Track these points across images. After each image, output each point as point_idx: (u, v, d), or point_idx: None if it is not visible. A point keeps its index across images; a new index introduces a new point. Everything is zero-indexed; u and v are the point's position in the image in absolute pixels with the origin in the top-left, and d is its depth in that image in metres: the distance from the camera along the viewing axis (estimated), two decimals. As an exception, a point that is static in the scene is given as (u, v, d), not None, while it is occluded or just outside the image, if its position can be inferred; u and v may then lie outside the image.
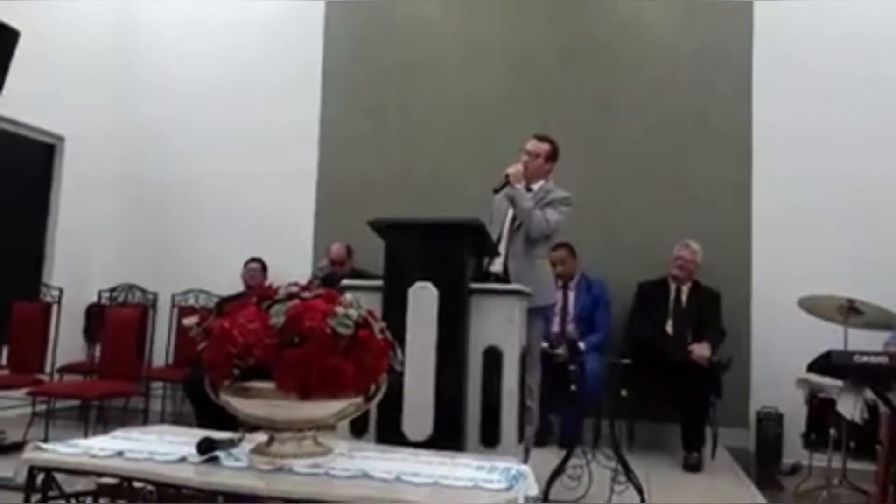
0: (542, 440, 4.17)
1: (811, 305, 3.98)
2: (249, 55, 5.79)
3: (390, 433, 2.73)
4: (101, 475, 1.92)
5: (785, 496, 3.84)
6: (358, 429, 2.82)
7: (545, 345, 3.99)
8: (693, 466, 4.05)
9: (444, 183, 5.12)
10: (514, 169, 3.43)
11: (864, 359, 3.42)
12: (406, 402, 2.76)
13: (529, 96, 5.16)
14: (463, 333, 2.81)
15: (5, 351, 4.70)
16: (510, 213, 3.51)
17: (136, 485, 1.87)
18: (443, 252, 2.84)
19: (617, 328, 4.77)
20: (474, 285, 2.90)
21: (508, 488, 1.79)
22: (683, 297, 4.57)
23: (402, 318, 2.77)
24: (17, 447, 3.90)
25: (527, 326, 3.14)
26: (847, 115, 4.67)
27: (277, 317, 1.85)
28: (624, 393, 3.50)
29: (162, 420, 4.91)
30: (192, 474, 1.83)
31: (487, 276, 3.38)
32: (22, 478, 1.93)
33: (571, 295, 4.70)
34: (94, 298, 5.65)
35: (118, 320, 4.65)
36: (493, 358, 2.82)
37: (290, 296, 1.93)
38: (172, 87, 5.92)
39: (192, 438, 1.97)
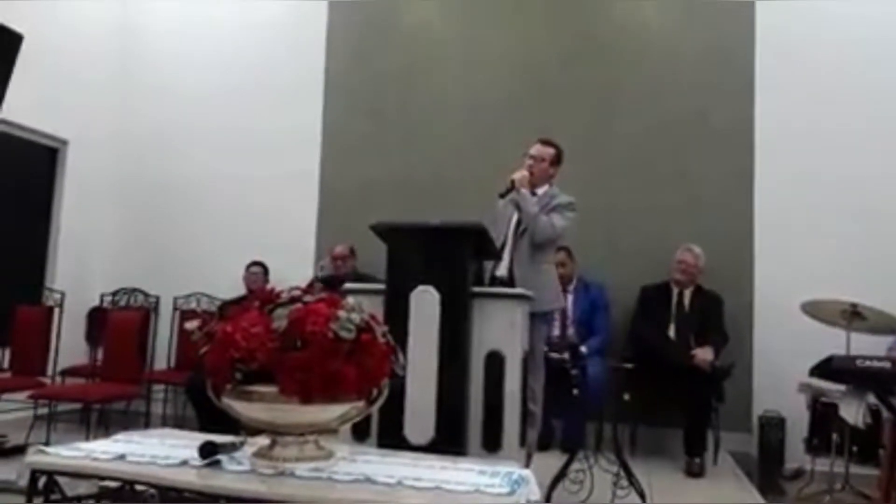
0: (544, 444, 4.16)
1: (814, 310, 3.97)
2: (251, 58, 5.80)
3: (392, 437, 2.73)
4: (102, 479, 1.92)
5: (787, 501, 3.83)
6: (360, 433, 2.82)
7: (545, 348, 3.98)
8: (695, 471, 4.04)
9: (446, 185, 5.12)
10: (520, 174, 3.44)
11: (867, 363, 3.42)
12: (408, 406, 2.77)
13: (530, 98, 5.16)
14: (465, 337, 2.81)
15: (7, 354, 4.70)
16: (514, 217, 3.52)
17: (138, 488, 1.87)
18: (445, 256, 2.85)
19: (619, 332, 4.76)
20: (476, 289, 2.90)
21: (510, 493, 1.79)
22: (686, 301, 4.56)
23: (404, 321, 2.78)
24: (20, 450, 3.92)
25: (532, 331, 3.15)
26: (850, 115, 4.66)
27: (280, 321, 1.85)
28: (626, 397, 3.49)
29: (164, 423, 4.92)
30: (194, 478, 1.83)
31: (493, 281, 3.39)
32: (24, 481, 1.93)
33: (570, 298, 4.69)
34: (97, 302, 5.65)
35: (120, 323, 4.65)
36: (495, 362, 2.82)
37: (293, 299, 1.93)
38: (174, 91, 5.94)
39: (194, 442, 1.97)
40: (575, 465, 3.24)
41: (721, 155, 4.91)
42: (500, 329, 2.84)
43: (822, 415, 3.93)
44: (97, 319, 5.45)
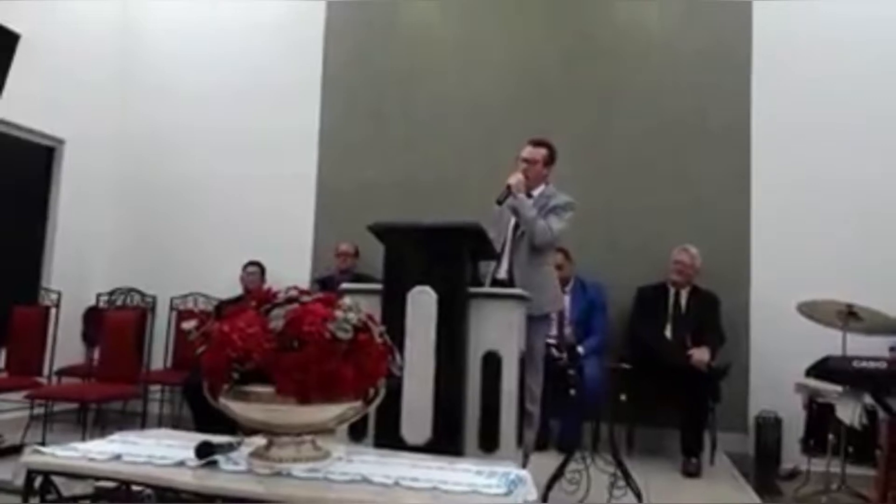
0: (541, 444, 4.16)
1: (810, 310, 3.98)
2: (250, 59, 5.80)
3: (389, 437, 2.73)
4: (99, 479, 1.92)
5: (784, 501, 3.83)
6: (356, 433, 2.82)
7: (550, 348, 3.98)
8: (692, 471, 4.05)
9: (445, 186, 5.12)
10: (516, 179, 3.43)
11: (863, 364, 3.43)
12: (405, 406, 2.77)
13: (530, 99, 5.17)
14: (462, 338, 2.81)
15: (4, 354, 4.70)
16: (512, 221, 3.51)
17: (135, 489, 1.87)
18: (442, 256, 2.85)
19: (616, 332, 4.77)
20: (473, 289, 2.90)
21: (507, 493, 1.79)
22: (683, 302, 4.57)
23: (402, 321, 2.78)
24: (16, 450, 3.91)
25: (532, 332, 3.15)
26: (847, 115, 4.66)
27: (277, 321, 1.85)
28: (623, 397, 3.50)
29: (160, 423, 4.90)
30: (191, 478, 1.82)
31: (495, 284, 3.39)
32: (20, 481, 1.92)
33: (568, 298, 4.69)
34: (93, 302, 5.64)
35: (117, 323, 4.65)
36: (492, 362, 2.82)
37: (290, 300, 1.93)
38: (172, 91, 5.93)
39: (190, 442, 1.97)
40: (572, 466, 3.24)
41: (718, 155, 4.92)
42: (497, 329, 2.84)
43: (819, 415, 3.95)
44: (94, 319, 5.44)
